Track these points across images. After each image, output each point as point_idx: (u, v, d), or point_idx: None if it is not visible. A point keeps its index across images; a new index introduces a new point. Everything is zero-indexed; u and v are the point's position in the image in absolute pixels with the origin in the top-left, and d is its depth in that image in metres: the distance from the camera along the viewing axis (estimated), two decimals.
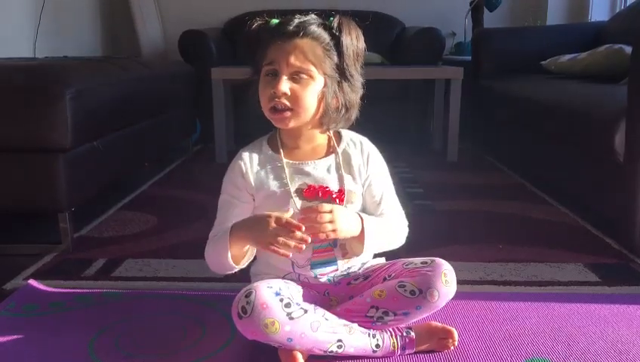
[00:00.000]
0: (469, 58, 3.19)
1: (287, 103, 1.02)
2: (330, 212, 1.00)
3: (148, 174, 2.51)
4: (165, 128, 2.54)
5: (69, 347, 1.10)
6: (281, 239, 0.96)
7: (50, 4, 2.98)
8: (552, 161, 2.13)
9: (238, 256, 1.05)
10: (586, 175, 1.85)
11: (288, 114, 1.03)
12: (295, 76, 1.02)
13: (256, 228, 1.00)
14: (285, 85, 1.01)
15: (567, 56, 2.50)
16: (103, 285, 1.38)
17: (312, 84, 1.02)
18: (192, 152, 3.08)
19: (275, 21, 1.05)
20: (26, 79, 1.54)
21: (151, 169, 2.58)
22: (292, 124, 1.05)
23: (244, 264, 1.07)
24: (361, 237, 1.05)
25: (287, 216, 0.98)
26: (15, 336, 1.14)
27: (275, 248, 0.96)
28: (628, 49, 2.05)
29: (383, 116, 2.96)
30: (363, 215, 1.07)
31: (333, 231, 1.00)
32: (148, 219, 1.90)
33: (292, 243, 0.96)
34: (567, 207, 2.01)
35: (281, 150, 1.10)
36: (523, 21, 3.59)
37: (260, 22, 1.06)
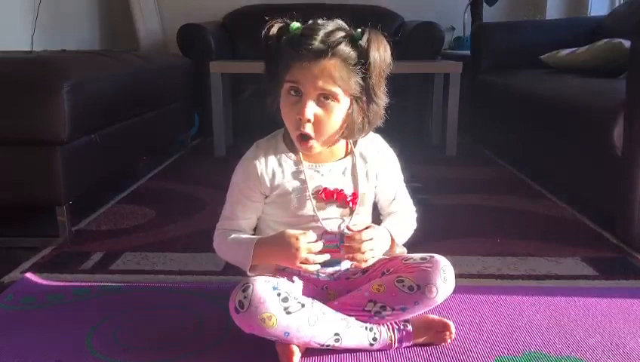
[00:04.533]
0: (468, 52, 3.18)
1: (311, 133, 0.99)
2: (371, 240, 1.02)
3: (146, 168, 2.51)
4: (164, 122, 2.54)
5: (67, 339, 1.10)
6: (311, 258, 1.00)
7: None
8: (551, 156, 2.13)
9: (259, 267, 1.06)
10: (584, 169, 1.85)
11: (312, 143, 1.01)
12: (321, 98, 0.97)
13: (283, 250, 1.00)
14: (310, 111, 0.97)
15: (566, 51, 2.50)
16: (101, 278, 1.38)
17: (337, 108, 0.98)
18: (191, 146, 3.08)
19: (296, 26, 0.98)
20: (24, 72, 1.53)
21: (149, 162, 2.58)
22: (316, 150, 1.03)
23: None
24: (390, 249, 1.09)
25: (309, 238, 1.00)
26: (12, 329, 1.14)
27: (304, 267, 1.00)
28: (627, 43, 2.05)
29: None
30: (391, 229, 1.09)
31: (373, 257, 1.03)
32: (146, 213, 1.89)
33: (317, 266, 1.02)
34: (566, 201, 2.01)
35: (300, 151, 1.07)
36: (522, 15, 3.59)
37: (280, 24, 0.99)
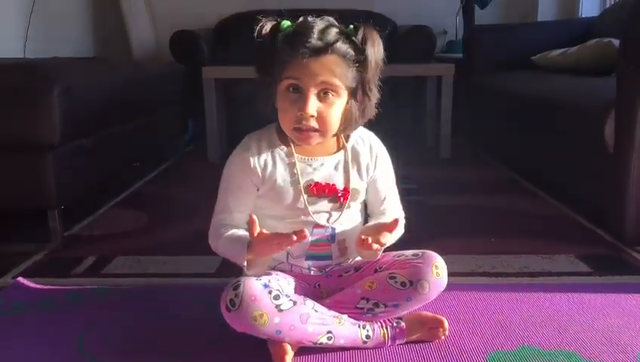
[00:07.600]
0: (461, 56, 3.19)
1: (315, 125, 0.98)
2: (383, 245, 0.99)
3: (140, 173, 2.50)
4: (157, 128, 2.53)
5: (59, 342, 1.09)
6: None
7: (40, 6, 2.97)
8: (544, 155, 2.13)
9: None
10: (577, 167, 1.85)
11: (314, 134, 1.00)
12: (321, 94, 0.97)
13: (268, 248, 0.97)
14: (313, 107, 0.96)
15: (558, 51, 2.51)
16: (93, 282, 1.37)
17: (338, 102, 0.99)
18: (185, 152, 3.07)
19: (286, 24, 0.99)
20: (15, 76, 1.53)
21: (143, 168, 2.57)
22: (316, 142, 1.03)
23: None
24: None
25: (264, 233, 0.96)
26: (3, 334, 1.13)
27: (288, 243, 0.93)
28: (617, 42, 2.05)
29: (376, 113, 2.96)
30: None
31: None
32: (139, 217, 1.89)
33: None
34: (559, 200, 2.02)
35: (292, 145, 1.07)
36: (514, 18, 3.60)
37: (272, 23, 0.99)
